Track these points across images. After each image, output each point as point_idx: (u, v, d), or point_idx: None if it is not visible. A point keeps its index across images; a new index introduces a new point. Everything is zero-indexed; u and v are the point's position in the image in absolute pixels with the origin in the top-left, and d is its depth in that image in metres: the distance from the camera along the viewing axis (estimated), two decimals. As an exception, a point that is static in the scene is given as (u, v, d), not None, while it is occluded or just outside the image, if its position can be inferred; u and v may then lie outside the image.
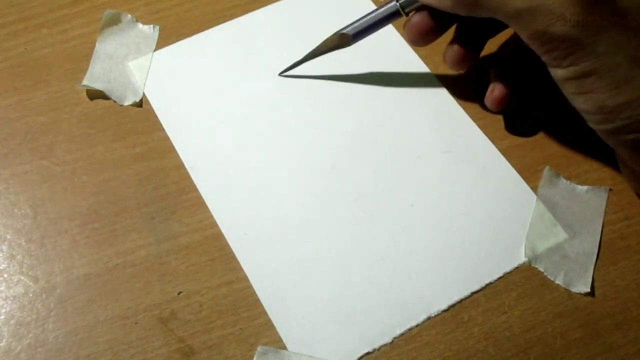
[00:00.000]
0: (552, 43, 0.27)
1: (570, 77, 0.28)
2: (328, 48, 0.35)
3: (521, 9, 0.27)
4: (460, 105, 0.36)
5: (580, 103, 0.29)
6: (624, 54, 0.27)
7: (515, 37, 0.34)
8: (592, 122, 0.29)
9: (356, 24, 0.34)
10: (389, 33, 0.38)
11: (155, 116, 0.35)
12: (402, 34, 0.38)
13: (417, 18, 0.32)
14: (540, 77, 0.31)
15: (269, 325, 0.30)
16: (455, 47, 0.33)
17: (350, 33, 0.34)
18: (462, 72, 0.35)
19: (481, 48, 0.34)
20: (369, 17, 0.33)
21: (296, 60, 0.36)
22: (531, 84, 0.34)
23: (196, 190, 0.33)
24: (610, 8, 0.27)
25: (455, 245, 0.32)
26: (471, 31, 0.33)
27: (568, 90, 0.29)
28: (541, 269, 0.31)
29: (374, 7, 0.39)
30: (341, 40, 0.34)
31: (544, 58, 0.28)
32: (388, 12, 0.33)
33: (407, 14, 0.33)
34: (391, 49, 0.38)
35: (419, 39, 0.33)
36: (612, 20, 0.27)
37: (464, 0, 0.29)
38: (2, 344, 0.29)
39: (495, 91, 0.33)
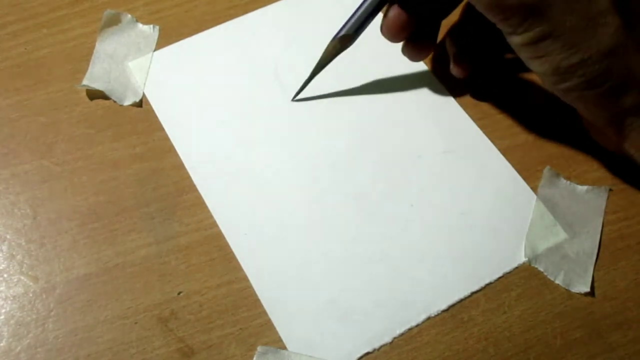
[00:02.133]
0: (507, 12, 0.28)
1: (526, 43, 0.29)
2: (332, 55, 0.34)
3: None
4: (460, 105, 0.36)
5: (536, 66, 0.29)
6: (578, 15, 0.27)
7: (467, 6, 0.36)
8: (549, 83, 0.30)
9: (350, 23, 0.33)
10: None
11: (155, 116, 0.35)
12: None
13: (391, 13, 0.33)
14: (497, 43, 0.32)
15: (269, 325, 0.30)
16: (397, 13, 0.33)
17: (350, 32, 0.34)
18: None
19: (437, 29, 0.35)
20: (360, 11, 0.33)
21: (305, 80, 0.35)
22: (489, 50, 0.36)
23: (196, 190, 0.33)
24: None
25: (455, 245, 0.32)
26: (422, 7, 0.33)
27: (524, 55, 0.29)
28: (541, 269, 0.31)
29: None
30: (343, 42, 0.34)
31: (500, 26, 0.29)
32: (375, 2, 0.33)
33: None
34: (391, 50, 0.38)
35: (394, 36, 0.33)
36: None
37: None
38: (2, 344, 0.29)
39: (390, 12, 0.33)
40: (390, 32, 0.33)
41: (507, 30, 0.29)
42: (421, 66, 0.37)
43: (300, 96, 0.36)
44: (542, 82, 0.30)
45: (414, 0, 0.32)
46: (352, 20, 0.33)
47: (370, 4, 0.33)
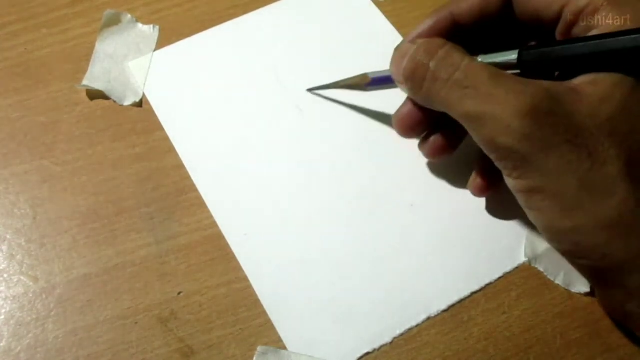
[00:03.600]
0: (500, 152, 0.26)
1: (518, 190, 0.26)
2: (349, 84, 0.34)
3: (470, 113, 0.26)
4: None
5: (530, 217, 0.27)
6: (573, 176, 0.24)
7: None
8: (545, 239, 0.28)
9: (381, 72, 0.32)
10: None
11: (155, 116, 0.35)
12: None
13: (403, 109, 0.31)
14: None
15: (269, 325, 0.30)
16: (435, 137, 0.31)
17: (370, 76, 0.33)
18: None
19: (461, 135, 0.31)
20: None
21: (324, 84, 0.35)
22: None
23: (196, 190, 0.33)
24: (564, 123, 0.24)
25: (455, 245, 0.32)
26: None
27: (519, 201, 0.27)
28: (541, 269, 0.31)
29: (374, 8, 0.39)
30: (361, 80, 0.33)
31: (495, 164, 0.27)
32: None
33: None
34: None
35: (403, 132, 0.31)
36: (565, 137, 0.24)
37: (420, 90, 0.28)
38: (2, 344, 0.29)
39: (477, 179, 0.32)
40: (400, 128, 0.31)
41: (502, 170, 0.27)
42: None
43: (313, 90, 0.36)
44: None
45: None
46: (382, 72, 0.32)
47: None
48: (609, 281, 0.27)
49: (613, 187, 0.24)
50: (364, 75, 0.33)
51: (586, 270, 0.28)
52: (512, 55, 0.28)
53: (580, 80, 0.26)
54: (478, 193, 0.32)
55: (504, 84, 0.25)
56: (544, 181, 0.25)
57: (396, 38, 0.38)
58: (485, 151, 0.27)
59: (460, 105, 0.26)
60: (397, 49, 0.30)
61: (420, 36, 0.30)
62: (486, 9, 0.29)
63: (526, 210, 0.27)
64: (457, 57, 0.27)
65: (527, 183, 0.26)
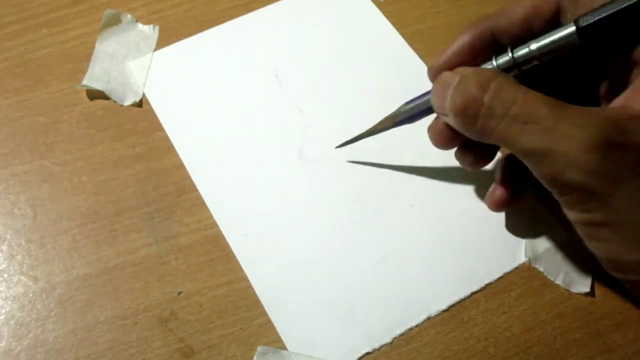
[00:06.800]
0: (564, 188, 0.25)
1: (581, 222, 0.25)
2: (385, 129, 0.32)
3: (531, 149, 0.24)
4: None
5: (591, 247, 0.26)
6: None
7: None
8: (605, 267, 0.27)
9: (411, 111, 0.31)
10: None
11: (155, 116, 0.35)
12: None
13: (438, 125, 0.29)
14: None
15: (269, 325, 0.30)
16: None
17: (409, 121, 0.31)
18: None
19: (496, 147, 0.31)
20: (422, 101, 0.30)
21: (354, 137, 0.33)
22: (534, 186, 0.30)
23: (196, 190, 0.33)
24: (632, 156, 0.23)
25: (455, 245, 0.32)
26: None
27: (580, 231, 0.26)
28: (541, 269, 0.31)
29: (374, 8, 0.39)
30: (389, 122, 0.32)
31: (556, 197, 0.26)
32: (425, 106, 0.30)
33: None
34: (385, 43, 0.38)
35: (439, 145, 0.30)
36: (635, 171, 0.23)
37: (473, 126, 0.26)
38: (2, 344, 0.29)
39: (496, 191, 0.31)
40: (437, 142, 0.30)
41: (563, 204, 0.26)
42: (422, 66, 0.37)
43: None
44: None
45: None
46: (413, 107, 0.31)
47: (418, 106, 0.30)
48: None
49: None
50: (391, 117, 0.32)
51: None
52: (569, 29, 0.25)
53: None
54: (496, 207, 0.31)
55: (566, 116, 0.24)
56: (611, 216, 0.24)
57: (396, 38, 0.38)
58: (546, 186, 0.25)
59: (520, 141, 0.25)
60: (437, 81, 0.28)
61: (456, 55, 0.28)
62: (529, 26, 0.27)
63: (586, 240, 0.26)
64: (511, 90, 0.25)
65: (593, 217, 0.25)
